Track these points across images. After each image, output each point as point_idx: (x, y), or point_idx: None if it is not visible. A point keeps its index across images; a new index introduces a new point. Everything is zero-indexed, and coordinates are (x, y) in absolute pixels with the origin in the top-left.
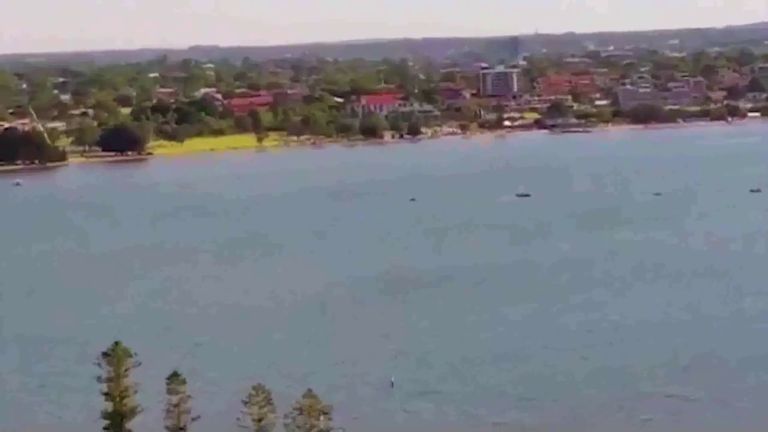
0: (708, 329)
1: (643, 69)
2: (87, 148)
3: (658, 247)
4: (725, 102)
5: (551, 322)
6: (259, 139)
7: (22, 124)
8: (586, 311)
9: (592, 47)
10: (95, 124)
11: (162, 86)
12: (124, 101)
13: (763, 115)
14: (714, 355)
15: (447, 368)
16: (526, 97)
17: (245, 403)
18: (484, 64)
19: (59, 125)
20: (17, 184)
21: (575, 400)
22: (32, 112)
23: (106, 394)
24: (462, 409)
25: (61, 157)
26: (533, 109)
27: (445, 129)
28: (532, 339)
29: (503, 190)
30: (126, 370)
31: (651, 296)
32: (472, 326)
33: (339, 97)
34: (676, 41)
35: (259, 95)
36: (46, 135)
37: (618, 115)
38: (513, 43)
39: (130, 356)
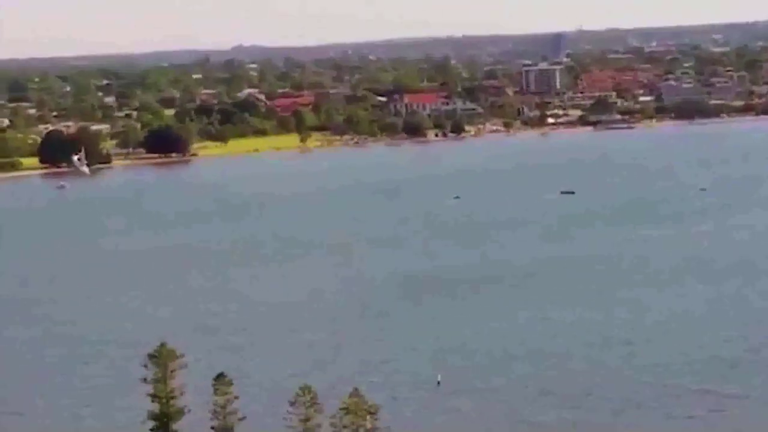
0: (753, 326)
1: (686, 64)
2: (131, 150)
3: (704, 242)
4: None
5: (594, 319)
6: (303, 139)
7: (66, 127)
8: (629, 308)
9: (635, 43)
10: (139, 126)
11: (205, 87)
12: (168, 103)
13: None
14: (759, 352)
15: (491, 366)
16: (570, 93)
17: (292, 403)
18: (526, 62)
19: (103, 128)
20: (62, 186)
21: (617, 397)
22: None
23: (152, 395)
24: (507, 407)
25: (106, 159)
26: (576, 106)
27: (489, 127)
28: (574, 336)
29: (547, 188)
30: (172, 372)
31: (695, 292)
32: (515, 324)
33: (381, 96)
34: (720, 36)
35: (302, 95)
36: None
37: (661, 111)
38: (556, 40)
39: (177, 357)
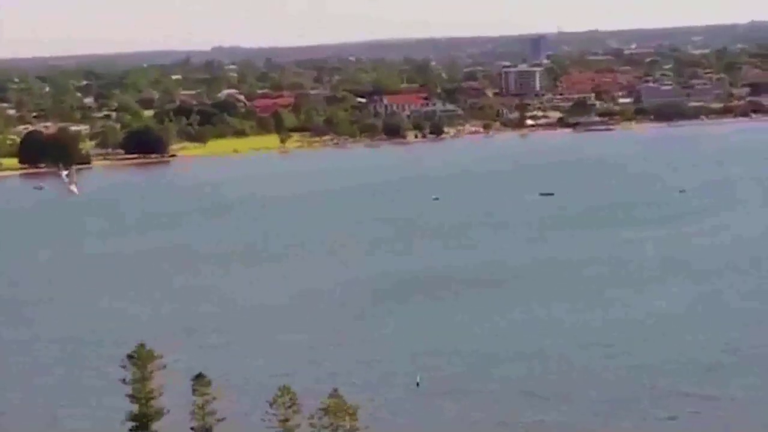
0: (733, 327)
1: (666, 66)
2: (110, 150)
3: (683, 243)
4: (748, 98)
5: (574, 320)
6: (282, 140)
7: (45, 128)
8: (609, 309)
9: (615, 45)
10: (118, 126)
11: (185, 88)
12: (147, 103)
13: None
14: (738, 353)
15: (471, 367)
16: (549, 95)
17: (271, 404)
18: (506, 63)
19: (83, 128)
20: (40, 187)
21: (597, 398)
22: None
23: (131, 396)
24: (487, 408)
25: (85, 159)
26: (556, 108)
27: (468, 128)
28: (554, 337)
29: (527, 189)
30: (151, 372)
31: (675, 293)
32: (496, 325)
33: (361, 97)
34: (700, 38)
35: (282, 96)
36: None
37: (641, 112)
38: (536, 42)
39: (155, 358)
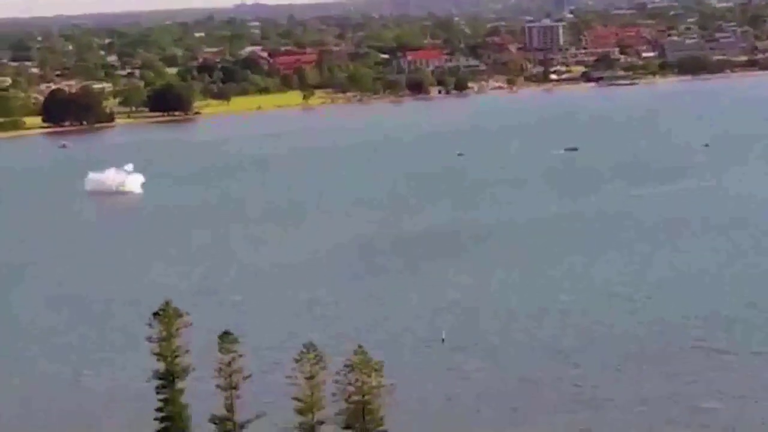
0: (756, 282)
1: (690, 20)
2: (134, 108)
3: (707, 198)
4: None
5: (596, 275)
6: (305, 97)
7: (68, 86)
8: (631, 264)
9: None
10: (142, 84)
11: (208, 46)
12: (171, 61)
13: None
14: (761, 308)
15: (494, 323)
16: (573, 50)
17: (296, 360)
18: (529, 18)
19: (106, 86)
20: (63, 146)
21: (620, 353)
22: None
23: (157, 354)
24: (510, 364)
25: (109, 118)
26: (580, 62)
27: (492, 83)
28: (575, 293)
29: (551, 144)
30: (177, 330)
31: (698, 248)
32: (515, 281)
33: (385, 53)
34: None
35: (305, 53)
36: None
37: (665, 66)
38: None
39: (181, 316)
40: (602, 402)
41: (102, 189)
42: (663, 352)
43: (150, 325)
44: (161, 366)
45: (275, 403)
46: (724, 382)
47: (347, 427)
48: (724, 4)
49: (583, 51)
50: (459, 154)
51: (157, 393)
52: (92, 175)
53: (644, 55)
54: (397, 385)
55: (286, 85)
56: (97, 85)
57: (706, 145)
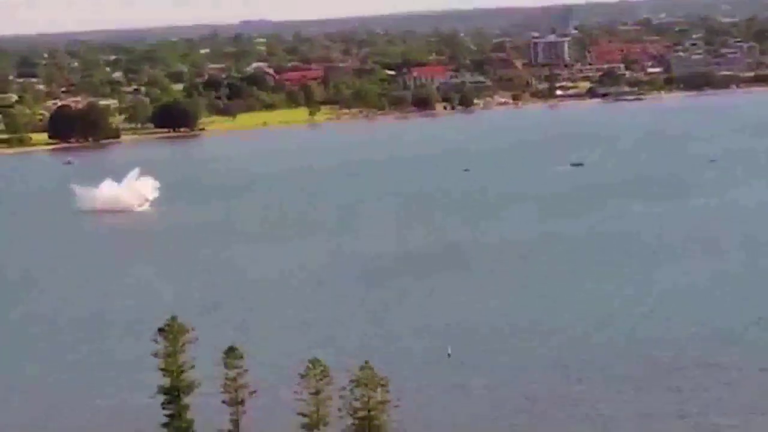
0: (760, 299)
1: (695, 35)
2: (139, 125)
3: (711, 214)
4: None
5: (599, 293)
6: (311, 113)
7: (74, 102)
8: (635, 282)
9: (644, 15)
10: (147, 101)
11: (213, 62)
12: (176, 77)
13: None
14: (764, 325)
15: (498, 341)
16: (578, 66)
17: (302, 376)
18: (535, 34)
19: (112, 103)
20: (68, 162)
21: (621, 371)
22: None
23: (163, 369)
24: (512, 379)
25: (115, 134)
26: (585, 78)
27: (498, 99)
28: (578, 311)
29: (557, 160)
30: (182, 346)
31: (703, 266)
32: (521, 298)
33: (390, 69)
34: (729, 6)
35: (311, 69)
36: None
37: (671, 82)
38: (565, 12)
39: (187, 331)
40: (605, 419)
41: (106, 206)
42: (667, 368)
43: (156, 340)
44: (167, 381)
45: (281, 418)
46: (729, 398)
47: None
48: (730, 20)
49: (588, 67)
50: (465, 170)
51: (163, 408)
52: (97, 191)
53: (650, 70)
54: (403, 401)
55: (291, 101)
56: (103, 102)
57: (713, 161)
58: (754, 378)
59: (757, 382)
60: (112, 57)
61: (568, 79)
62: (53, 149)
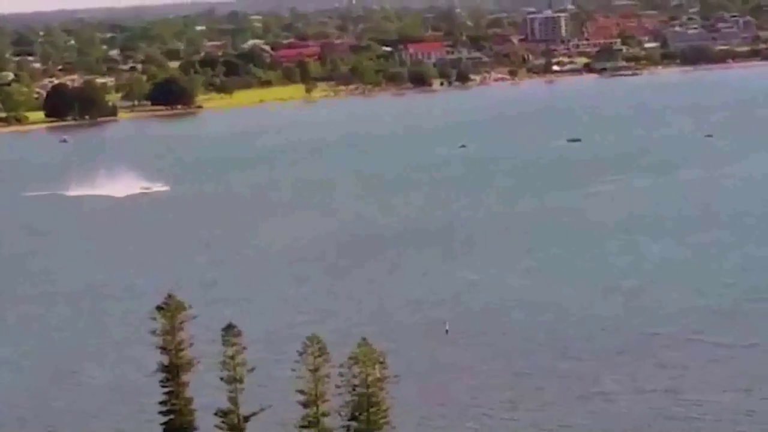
0: (754, 273)
1: (691, 10)
2: (136, 102)
3: (707, 189)
4: None
5: (593, 268)
6: (308, 90)
7: (71, 80)
8: (627, 256)
9: None
10: (144, 78)
11: (210, 39)
12: (173, 55)
13: None
14: (754, 301)
15: (493, 315)
16: (575, 41)
17: (300, 353)
18: (531, 9)
19: (108, 81)
20: (64, 141)
21: (612, 346)
22: None
23: (161, 347)
24: (507, 354)
25: (111, 112)
26: (582, 54)
27: (494, 75)
28: (572, 286)
29: (554, 136)
30: (181, 323)
31: (696, 240)
32: (517, 273)
33: (387, 45)
34: None
35: (307, 46)
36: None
37: (667, 57)
38: None
39: (185, 309)
40: (597, 395)
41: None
42: (660, 345)
43: (153, 318)
44: (165, 359)
45: (279, 395)
46: (721, 374)
47: (352, 419)
48: None
49: (585, 42)
50: (461, 146)
51: (162, 386)
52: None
53: (646, 45)
54: (402, 378)
55: (288, 78)
56: (99, 80)
57: (709, 136)
58: (746, 354)
59: (746, 358)
60: (109, 35)
61: (565, 55)
62: (50, 127)
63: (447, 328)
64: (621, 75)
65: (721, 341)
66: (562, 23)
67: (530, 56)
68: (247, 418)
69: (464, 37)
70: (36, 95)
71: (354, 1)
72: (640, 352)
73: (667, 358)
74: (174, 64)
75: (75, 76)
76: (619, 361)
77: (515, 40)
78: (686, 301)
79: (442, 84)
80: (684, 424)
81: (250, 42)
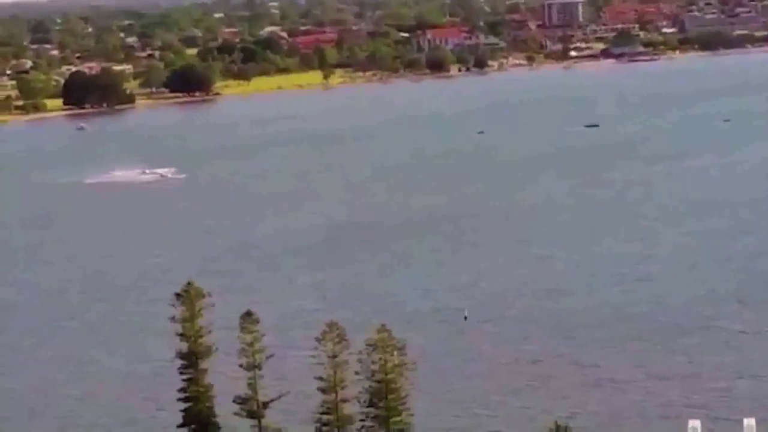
0: (763, 260)
1: None
2: (154, 89)
3: (723, 174)
4: None
5: (606, 255)
6: (325, 76)
7: (88, 68)
8: (639, 243)
9: None
10: (162, 65)
11: (227, 26)
12: (190, 42)
13: None
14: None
15: (508, 303)
16: (592, 26)
17: (319, 340)
18: None
19: (126, 68)
20: (81, 128)
21: (621, 333)
22: None
23: (180, 334)
24: (521, 341)
25: (129, 99)
26: (599, 39)
27: (512, 61)
28: (585, 273)
29: (571, 121)
30: (200, 310)
31: (707, 226)
32: (532, 261)
33: (404, 32)
34: None
35: (324, 32)
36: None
37: (685, 42)
38: None
39: (204, 296)
40: (609, 382)
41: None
42: (671, 332)
43: (173, 305)
44: (184, 346)
45: (298, 382)
46: (733, 360)
47: (370, 406)
48: None
49: (602, 27)
50: (479, 132)
51: (181, 373)
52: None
53: (664, 30)
54: (420, 365)
55: (305, 64)
56: (117, 67)
57: (727, 120)
58: (758, 340)
59: (755, 344)
60: (126, 22)
61: (583, 40)
62: (68, 115)
63: (466, 314)
64: (638, 60)
65: (733, 328)
66: (580, 9)
67: (548, 42)
68: (266, 405)
69: (482, 23)
70: (54, 83)
71: None
72: (652, 339)
73: (679, 345)
74: (192, 51)
75: (93, 64)
76: (631, 348)
77: (533, 25)
78: (698, 288)
79: (459, 70)
80: (696, 411)
81: (268, 29)
